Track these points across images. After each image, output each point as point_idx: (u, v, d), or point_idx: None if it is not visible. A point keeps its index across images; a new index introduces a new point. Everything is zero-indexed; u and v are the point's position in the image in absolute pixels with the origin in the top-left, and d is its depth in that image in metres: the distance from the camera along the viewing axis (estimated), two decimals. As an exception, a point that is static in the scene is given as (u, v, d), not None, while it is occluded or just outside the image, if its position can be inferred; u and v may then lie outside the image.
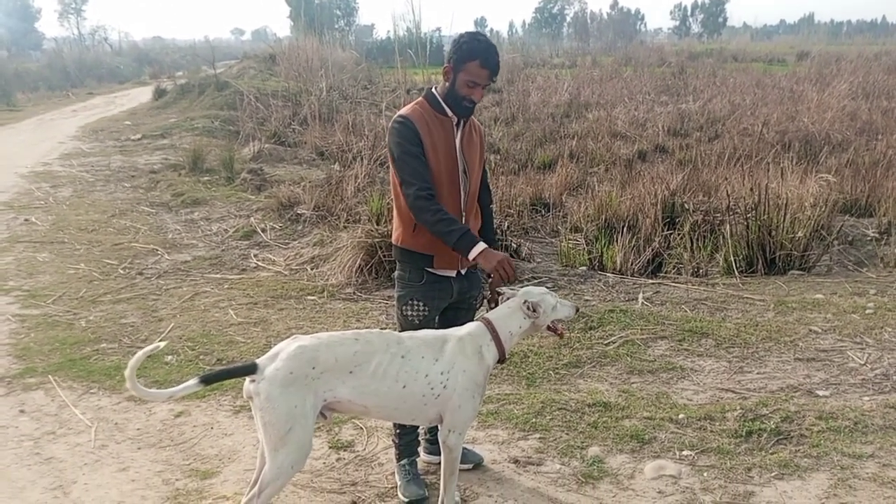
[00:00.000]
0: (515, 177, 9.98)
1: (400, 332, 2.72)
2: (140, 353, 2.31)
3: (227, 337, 4.57)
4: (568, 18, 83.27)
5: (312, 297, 5.38)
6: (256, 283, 5.79)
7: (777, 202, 5.70)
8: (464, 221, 2.72)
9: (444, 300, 2.80)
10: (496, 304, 2.67)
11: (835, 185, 7.88)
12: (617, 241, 6.30)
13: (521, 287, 2.70)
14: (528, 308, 2.53)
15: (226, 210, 8.44)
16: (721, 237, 6.50)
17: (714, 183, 8.94)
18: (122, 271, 6.19)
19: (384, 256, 5.61)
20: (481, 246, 2.50)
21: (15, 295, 5.56)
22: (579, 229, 7.66)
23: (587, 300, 4.96)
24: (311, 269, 6.12)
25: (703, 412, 3.29)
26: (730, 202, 6.19)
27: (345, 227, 6.72)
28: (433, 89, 2.73)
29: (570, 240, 7.15)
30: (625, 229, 6.76)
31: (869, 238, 6.71)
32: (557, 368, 3.85)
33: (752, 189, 5.79)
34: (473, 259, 2.49)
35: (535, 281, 5.51)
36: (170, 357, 4.25)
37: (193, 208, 8.58)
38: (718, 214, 7.40)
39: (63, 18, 60.64)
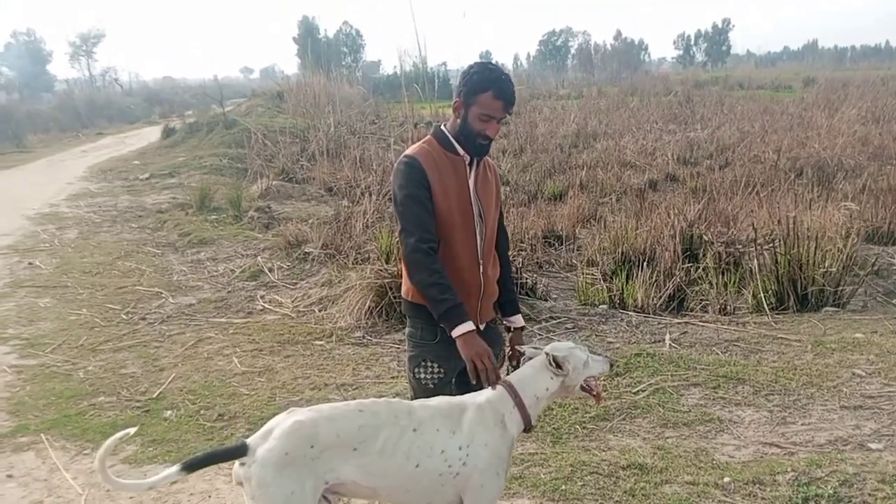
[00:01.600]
0: (526, 209, 9.83)
1: (412, 397, 2.46)
2: (109, 441, 2.05)
3: (230, 388, 4.32)
4: (572, 50, 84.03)
5: (320, 342, 5.13)
6: (262, 328, 5.56)
7: (807, 234, 5.43)
8: (481, 270, 2.47)
9: (462, 360, 2.44)
10: (518, 364, 2.40)
11: (857, 214, 7.63)
12: (636, 275, 6.05)
13: (534, 345, 2.42)
14: (555, 365, 2.23)
15: (233, 249, 8.25)
16: (747, 271, 6.26)
17: (732, 213, 8.75)
18: (124, 316, 5.98)
19: (394, 297, 5.37)
20: (468, 327, 2.25)
21: (13, 344, 5.34)
22: (595, 263, 7.43)
23: (610, 342, 4.69)
24: (319, 310, 5.89)
25: (751, 474, 2.99)
26: (756, 235, 5.92)
27: (353, 266, 6.51)
28: (442, 126, 2.47)
29: (586, 274, 6.91)
30: (644, 263, 6.52)
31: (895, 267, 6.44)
32: (585, 422, 3.56)
33: (779, 221, 5.53)
34: (455, 338, 2.25)
35: (554, 321, 5.25)
36: (169, 412, 4.00)
37: (200, 248, 8.40)
38: (740, 246, 7.17)
39: (74, 60, 61.55)
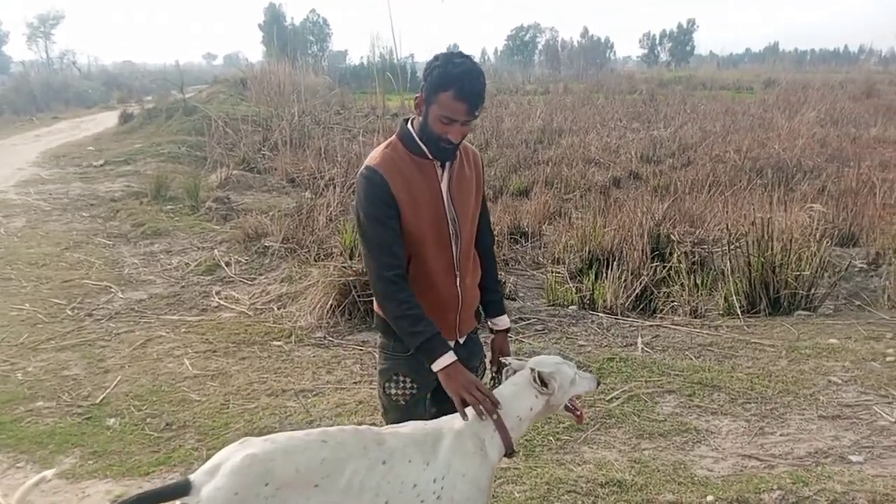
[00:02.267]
0: (492, 204, 9.69)
1: (382, 414, 2.24)
2: (26, 484, 1.80)
3: (179, 394, 4.04)
4: (539, 46, 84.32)
5: (279, 343, 4.87)
6: (217, 326, 5.27)
7: (781, 236, 5.35)
8: (458, 282, 2.22)
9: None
10: (500, 375, 2.18)
11: (822, 215, 7.65)
12: (604, 275, 5.92)
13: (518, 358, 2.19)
14: (539, 383, 2.01)
15: (188, 242, 7.90)
16: (714, 272, 6.18)
17: (698, 212, 8.73)
18: (69, 312, 5.63)
19: (358, 296, 5.14)
20: (449, 358, 2.02)
21: (-53, 342, 4.98)
22: (561, 261, 7.32)
23: (582, 346, 4.53)
24: (278, 308, 5.62)
25: (735, 492, 2.84)
26: (730, 236, 5.83)
27: (315, 262, 6.24)
28: (409, 124, 2.16)
29: (554, 273, 6.77)
30: (612, 262, 6.40)
31: (857, 269, 6.44)
32: (558, 433, 3.38)
33: (753, 223, 5.44)
34: (435, 372, 2.02)
35: (524, 322, 5.08)
36: (112, 420, 3.70)
37: (154, 240, 8.03)
38: (707, 247, 7.11)
39: (31, 42, 59.53)
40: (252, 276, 6.58)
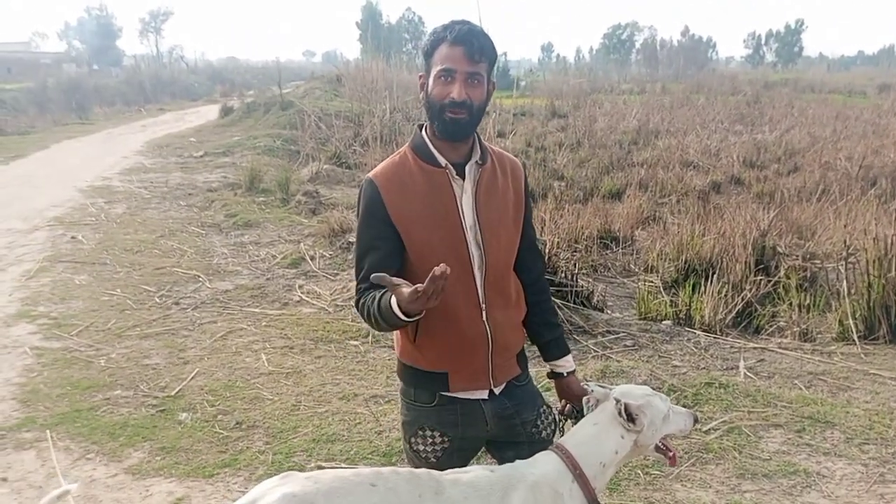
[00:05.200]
0: (582, 206, 9.37)
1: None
2: (47, 497, 1.71)
3: (253, 391, 3.97)
4: (637, 45, 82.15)
5: (355, 343, 4.76)
6: (296, 321, 5.22)
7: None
8: (485, 316, 1.83)
9: (474, 427, 1.90)
10: (577, 417, 1.89)
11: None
12: (704, 288, 5.51)
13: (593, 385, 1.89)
14: (625, 416, 1.72)
15: (277, 234, 7.98)
16: (828, 291, 5.65)
17: (806, 223, 8.12)
18: (157, 300, 5.73)
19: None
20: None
21: (40, 323, 5.14)
22: (654, 269, 6.93)
23: (676, 366, 4.17)
24: (359, 307, 5.52)
25: (853, 553, 2.49)
26: (847, 251, 5.31)
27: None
28: (423, 132, 1.84)
29: (647, 282, 6.40)
30: (710, 274, 5.97)
31: None
32: (647, 467, 3.07)
33: (875, 239, 4.91)
34: (402, 311, 1.58)
35: (612, 336, 4.76)
36: (185, 415, 3.67)
37: (244, 230, 8.16)
38: (816, 261, 6.56)
39: (143, 36, 63.07)
40: (335, 271, 6.53)
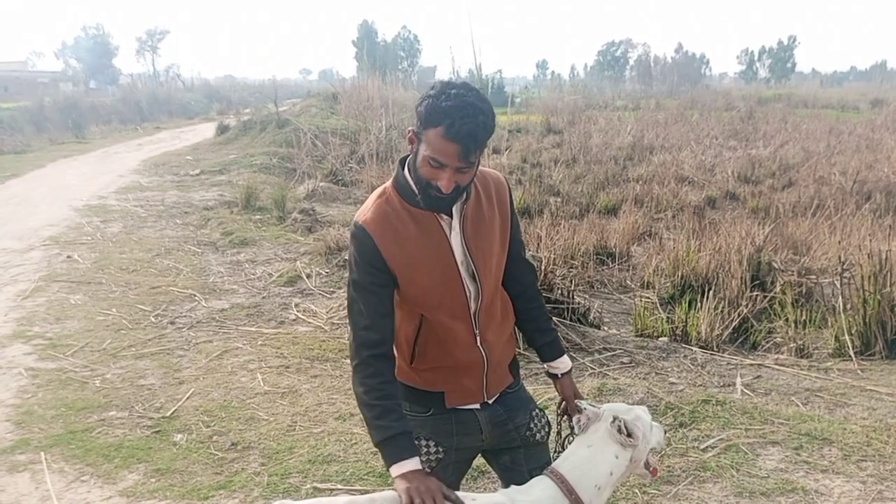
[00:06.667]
0: (578, 221, 9.40)
1: None
2: None
3: (248, 411, 3.95)
4: (631, 62, 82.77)
5: (352, 362, 4.74)
6: (292, 340, 5.21)
7: (900, 270, 4.81)
8: (479, 342, 1.87)
9: (470, 437, 1.93)
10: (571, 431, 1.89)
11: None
12: (700, 304, 5.51)
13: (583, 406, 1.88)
14: (622, 432, 1.72)
15: (273, 252, 7.98)
16: (824, 307, 5.66)
17: (802, 238, 8.15)
18: (153, 319, 5.72)
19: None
20: (410, 465, 1.67)
21: (35, 344, 5.12)
22: (651, 285, 6.94)
23: (673, 383, 4.16)
24: (355, 325, 5.51)
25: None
26: (842, 267, 5.32)
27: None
28: (405, 167, 1.80)
29: (643, 298, 6.41)
30: (706, 290, 5.98)
31: None
32: (644, 486, 3.05)
33: (869, 255, 4.93)
34: (394, 477, 1.67)
35: (608, 353, 4.76)
36: (179, 436, 3.64)
37: (240, 249, 8.16)
38: (812, 277, 6.58)
39: (139, 55, 63.39)
40: (331, 289, 6.52)
